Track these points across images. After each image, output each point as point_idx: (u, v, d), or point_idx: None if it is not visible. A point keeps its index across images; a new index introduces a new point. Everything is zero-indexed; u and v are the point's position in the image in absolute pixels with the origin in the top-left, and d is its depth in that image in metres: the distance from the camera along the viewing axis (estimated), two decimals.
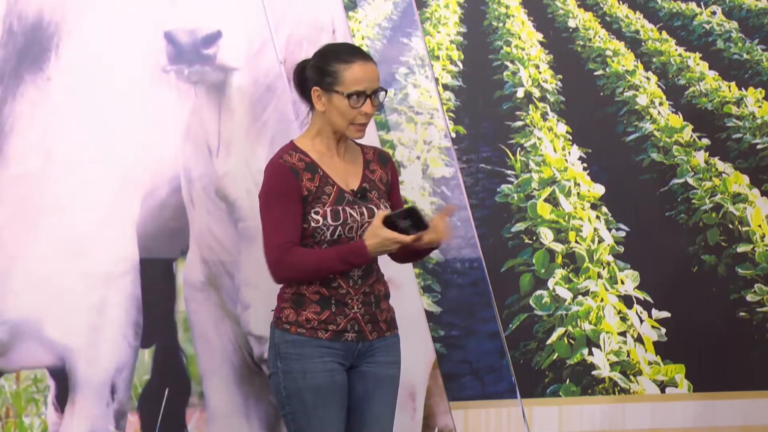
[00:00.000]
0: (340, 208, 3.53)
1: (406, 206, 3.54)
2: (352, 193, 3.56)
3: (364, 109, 3.52)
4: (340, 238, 3.53)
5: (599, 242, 5.05)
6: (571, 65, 5.23)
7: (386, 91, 3.59)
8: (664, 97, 5.25)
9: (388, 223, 3.48)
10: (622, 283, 5.04)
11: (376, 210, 3.56)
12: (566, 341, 4.97)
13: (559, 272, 5.00)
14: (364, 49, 4.74)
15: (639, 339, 5.03)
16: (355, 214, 3.54)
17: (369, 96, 3.52)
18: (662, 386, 5.05)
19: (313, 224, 3.50)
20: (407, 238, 3.48)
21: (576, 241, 5.03)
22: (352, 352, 3.57)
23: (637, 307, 5.05)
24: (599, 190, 5.10)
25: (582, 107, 5.18)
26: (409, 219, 3.48)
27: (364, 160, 3.64)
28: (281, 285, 3.61)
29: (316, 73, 3.56)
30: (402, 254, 3.65)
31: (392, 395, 3.67)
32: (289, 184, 3.49)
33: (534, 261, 4.99)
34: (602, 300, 5.00)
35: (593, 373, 4.99)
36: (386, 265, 3.76)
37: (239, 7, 4.59)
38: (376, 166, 3.65)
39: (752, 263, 5.15)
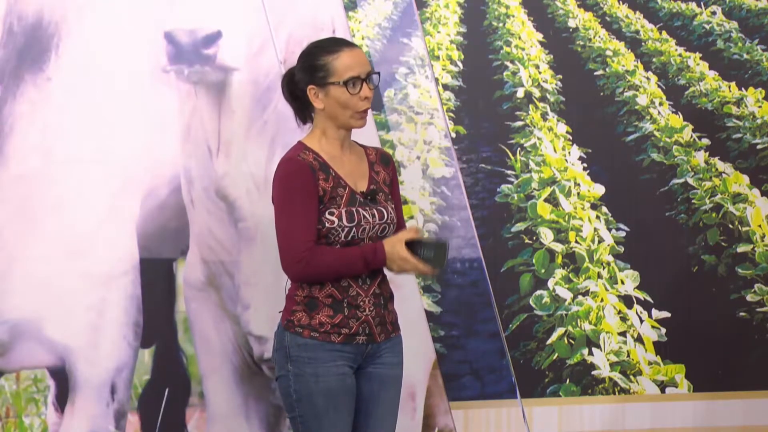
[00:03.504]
0: (354, 209, 3.51)
1: (438, 240, 3.52)
2: (362, 195, 3.55)
3: (362, 93, 3.52)
4: (354, 239, 3.51)
5: (599, 242, 5.05)
6: (571, 65, 5.23)
7: (379, 74, 3.59)
8: (664, 97, 5.24)
9: (410, 244, 3.48)
10: (622, 283, 5.04)
11: (385, 212, 3.56)
12: (566, 341, 4.97)
13: (559, 272, 4.99)
14: (364, 49, 4.74)
15: (639, 339, 5.02)
16: (368, 216, 3.52)
17: (364, 80, 3.52)
18: (662, 386, 5.05)
19: (327, 225, 3.48)
20: (421, 268, 3.49)
21: (576, 241, 5.03)
22: (361, 355, 3.56)
23: (637, 307, 5.05)
24: (599, 190, 5.10)
25: (582, 107, 5.17)
26: (433, 251, 3.47)
27: (368, 162, 3.63)
28: (291, 286, 3.59)
29: (307, 72, 3.54)
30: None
31: (397, 396, 3.67)
32: (309, 181, 3.48)
33: (534, 261, 4.99)
34: (602, 300, 5.00)
35: (593, 373, 4.98)
36: None
37: (239, 7, 4.59)
38: (379, 167, 3.64)
39: (752, 263, 5.15)
